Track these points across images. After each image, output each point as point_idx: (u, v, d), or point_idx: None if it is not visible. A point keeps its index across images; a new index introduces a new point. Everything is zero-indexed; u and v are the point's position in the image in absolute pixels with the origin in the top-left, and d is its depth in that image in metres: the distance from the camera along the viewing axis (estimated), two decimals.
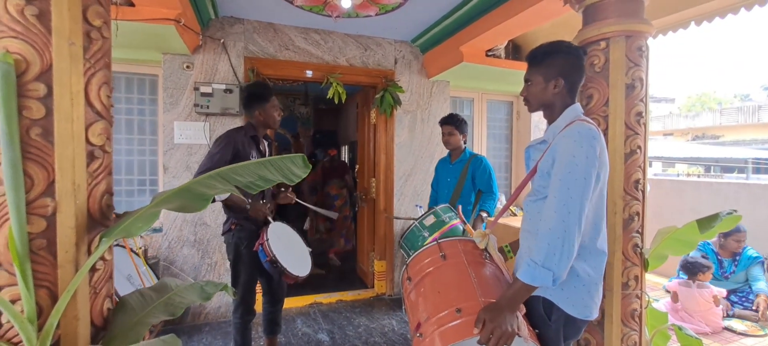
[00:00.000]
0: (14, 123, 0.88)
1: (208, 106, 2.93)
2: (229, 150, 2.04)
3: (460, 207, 2.01)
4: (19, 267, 0.88)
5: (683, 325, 2.07)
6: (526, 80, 1.32)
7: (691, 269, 3.04)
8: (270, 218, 2.19)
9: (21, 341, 0.91)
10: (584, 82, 1.79)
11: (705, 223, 1.67)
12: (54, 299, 0.95)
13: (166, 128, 2.94)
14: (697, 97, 31.57)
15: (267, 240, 2.03)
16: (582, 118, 1.21)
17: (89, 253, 1.01)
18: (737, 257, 3.31)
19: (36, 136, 0.92)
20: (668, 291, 3.22)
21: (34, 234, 0.92)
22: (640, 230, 1.76)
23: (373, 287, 3.77)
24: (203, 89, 2.92)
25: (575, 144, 1.12)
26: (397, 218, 2.93)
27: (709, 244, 3.41)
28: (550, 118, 1.30)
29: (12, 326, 0.91)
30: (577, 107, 1.26)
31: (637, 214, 1.75)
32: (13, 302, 0.91)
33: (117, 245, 2.31)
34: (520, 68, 3.48)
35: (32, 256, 0.92)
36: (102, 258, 1.06)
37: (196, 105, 2.92)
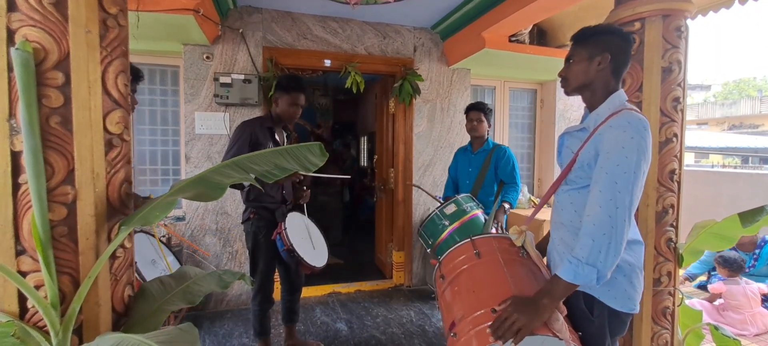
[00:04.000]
0: (34, 111, 0.88)
1: (227, 97, 2.95)
2: (243, 142, 2.06)
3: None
4: (41, 254, 0.90)
5: (721, 325, 1.95)
6: (568, 59, 1.22)
7: (734, 265, 2.86)
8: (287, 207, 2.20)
9: (45, 326, 0.93)
10: None
11: (748, 216, 1.56)
12: (76, 285, 0.96)
13: (188, 119, 2.99)
14: (735, 84, 29.88)
15: (285, 229, 2.04)
16: (629, 107, 1.12)
17: (109, 240, 1.02)
18: (757, 251, 3.11)
19: (55, 124, 0.92)
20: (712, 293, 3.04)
21: (56, 221, 0.93)
22: (674, 224, 1.66)
23: (391, 277, 3.76)
24: (223, 80, 2.94)
25: (624, 135, 1.03)
26: (418, 187, 2.88)
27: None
28: (591, 103, 1.20)
29: (37, 312, 0.93)
30: (622, 94, 1.16)
31: (672, 206, 1.65)
32: (37, 287, 0.93)
33: (140, 231, 2.36)
34: (546, 54, 3.34)
35: (54, 243, 0.93)
36: (122, 246, 1.07)
37: (215, 95, 2.95)
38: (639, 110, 1.12)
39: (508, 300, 1.06)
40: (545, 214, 3.08)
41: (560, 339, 1.01)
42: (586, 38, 1.18)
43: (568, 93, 1.25)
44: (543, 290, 1.07)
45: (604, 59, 1.14)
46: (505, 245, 1.31)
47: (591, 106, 1.20)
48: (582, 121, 1.24)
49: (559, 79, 1.26)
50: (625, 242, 1.04)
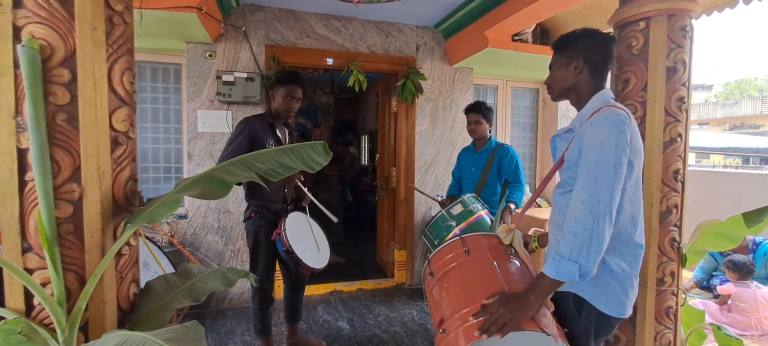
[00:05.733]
0: (40, 109, 0.88)
1: (230, 95, 2.95)
2: (243, 139, 2.06)
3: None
4: (48, 251, 0.90)
5: (723, 326, 1.95)
6: (550, 66, 1.29)
7: (743, 269, 2.85)
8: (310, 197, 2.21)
9: (52, 323, 0.93)
10: (620, 66, 1.69)
11: (752, 216, 1.56)
12: (82, 282, 0.97)
13: (190, 117, 2.98)
14: (736, 85, 29.83)
15: (284, 231, 2.02)
16: (610, 104, 1.14)
17: (115, 238, 1.02)
18: (751, 255, 3.10)
19: (61, 121, 0.92)
20: (718, 294, 3.04)
21: (62, 219, 0.93)
22: (678, 224, 1.66)
23: (393, 276, 3.76)
24: (225, 78, 2.94)
25: (603, 131, 1.05)
26: (419, 191, 2.88)
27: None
28: (577, 105, 1.24)
29: (43, 309, 0.93)
30: (605, 93, 1.19)
31: (676, 206, 1.64)
32: (43, 285, 0.93)
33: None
34: (549, 53, 3.31)
35: (60, 240, 0.93)
36: (127, 244, 1.07)
37: (218, 93, 2.94)
38: (621, 106, 1.13)
39: (496, 295, 1.08)
40: (547, 214, 3.08)
41: (547, 334, 1.02)
42: (563, 45, 1.24)
43: (554, 99, 1.31)
44: (529, 287, 1.08)
45: (578, 63, 1.19)
46: (494, 243, 1.32)
47: (578, 108, 1.24)
48: (571, 123, 1.26)
49: (546, 86, 1.32)
50: (608, 237, 1.04)
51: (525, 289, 1.08)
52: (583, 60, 1.18)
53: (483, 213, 2.11)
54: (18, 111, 0.90)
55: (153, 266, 2.60)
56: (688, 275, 3.78)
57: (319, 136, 6.68)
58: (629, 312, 1.17)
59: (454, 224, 2.04)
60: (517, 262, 1.27)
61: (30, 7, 0.89)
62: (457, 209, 2.07)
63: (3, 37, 0.89)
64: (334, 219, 2.27)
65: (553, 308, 1.13)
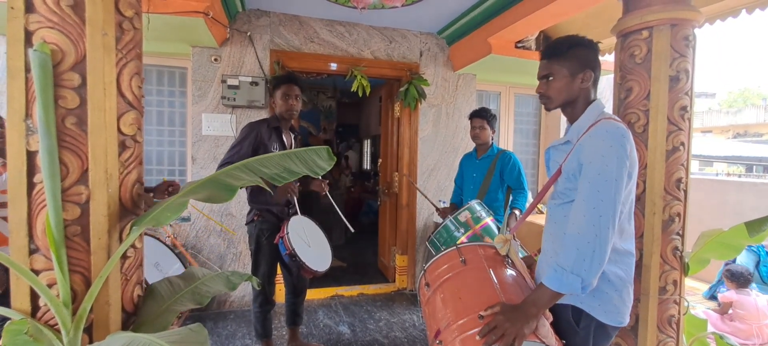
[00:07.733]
0: (51, 112, 0.90)
1: (234, 99, 2.97)
2: (248, 143, 2.08)
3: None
4: (55, 252, 0.91)
5: (725, 335, 1.94)
6: (546, 76, 1.21)
7: (741, 279, 2.85)
8: (296, 207, 2.21)
9: (57, 324, 0.94)
10: (623, 75, 1.70)
11: (755, 226, 1.55)
12: (87, 284, 0.97)
13: (195, 120, 3.01)
14: (740, 93, 29.79)
15: (287, 233, 2.03)
16: (608, 116, 1.14)
17: (121, 240, 1.03)
18: None
19: (71, 125, 0.94)
20: (720, 303, 3.03)
21: (69, 221, 0.94)
22: (680, 232, 1.66)
23: (394, 281, 3.76)
24: (230, 82, 2.96)
25: (604, 144, 1.05)
26: (418, 189, 2.88)
27: (762, 245, 3.23)
28: (572, 116, 1.22)
29: (49, 310, 0.94)
30: (599, 104, 1.18)
31: (678, 215, 1.64)
32: (49, 286, 0.94)
33: (145, 233, 2.38)
34: None
35: (67, 242, 0.94)
36: (133, 246, 1.08)
37: (223, 97, 2.97)
38: (618, 118, 1.14)
39: (496, 307, 1.05)
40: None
41: (545, 344, 1.01)
42: (562, 53, 1.17)
43: (550, 109, 1.26)
44: (529, 298, 1.07)
45: (586, 76, 1.16)
46: (490, 252, 1.31)
47: (572, 119, 1.22)
48: (565, 134, 1.25)
49: (538, 95, 1.26)
50: (609, 250, 1.03)
51: (525, 300, 1.07)
52: (592, 73, 1.16)
53: (489, 220, 2.10)
54: (28, 114, 0.92)
55: (164, 266, 2.61)
56: (699, 287, 3.74)
57: (319, 140, 6.71)
58: (627, 320, 1.17)
59: (462, 231, 2.03)
60: (513, 272, 1.26)
61: (42, 12, 0.91)
62: (464, 216, 2.05)
63: (15, 42, 0.90)
64: (352, 229, 2.37)
65: (551, 318, 1.13)
